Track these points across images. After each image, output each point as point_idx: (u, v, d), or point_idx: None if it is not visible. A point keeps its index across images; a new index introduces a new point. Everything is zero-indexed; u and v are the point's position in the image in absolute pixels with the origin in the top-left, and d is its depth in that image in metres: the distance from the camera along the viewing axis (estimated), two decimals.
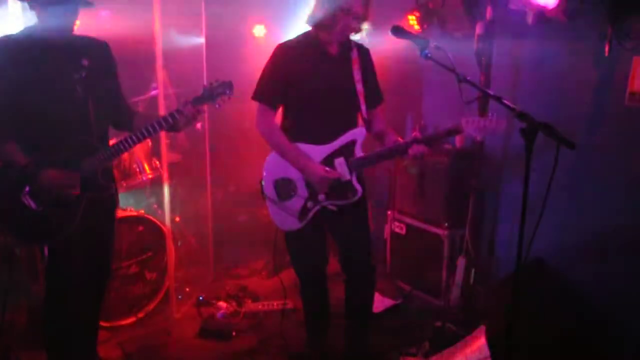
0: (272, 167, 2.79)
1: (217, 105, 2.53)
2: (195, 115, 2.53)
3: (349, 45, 2.75)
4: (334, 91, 2.71)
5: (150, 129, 2.50)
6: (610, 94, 3.04)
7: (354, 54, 2.74)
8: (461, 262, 3.79)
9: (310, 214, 2.76)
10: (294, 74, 2.66)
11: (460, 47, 3.69)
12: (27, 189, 2.44)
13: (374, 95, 2.86)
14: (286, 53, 2.70)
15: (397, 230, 4.21)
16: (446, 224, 3.84)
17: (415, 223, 4.06)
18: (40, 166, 2.42)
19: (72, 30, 2.50)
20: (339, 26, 2.61)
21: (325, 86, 2.69)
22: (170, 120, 2.50)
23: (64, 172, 2.44)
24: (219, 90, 2.51)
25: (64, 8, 2.38)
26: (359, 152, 2.70)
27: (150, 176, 3.88)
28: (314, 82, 2.67)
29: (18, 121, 2.42)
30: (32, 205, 2.45)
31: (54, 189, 2.43)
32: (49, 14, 2.37)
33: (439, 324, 3.45)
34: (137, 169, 3.83)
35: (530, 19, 3.25)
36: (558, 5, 3.01)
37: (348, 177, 2.70)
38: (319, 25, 2.67)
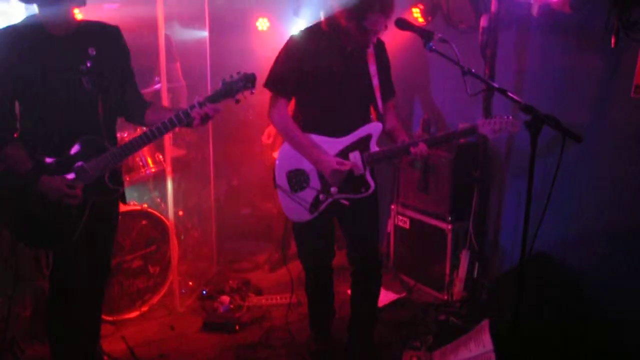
0: (285, 157, 2.76)
1: (236, 101, 2.34)
2: (213, 113, 2.33)
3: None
4: (349, 84, 2.68)
5: (163, 128, 2.36)
6: (616, 86, 3.01)
7: (370, 46, 2.70)
8: (465, 255, 3.78)
9: (322, 207, 2.74)
10: (309, 65, 2.61)
11: (465, 40, 3.68)
12: (29, 195, 2.33)
13: (388, 89, 2.83)
14: (301, 44, 2.65)
15: (400, 224, 4.20)
16: (450, 218, 3.82)
17: (419, 217, 4.05)
18: (40, 172, 2.31)
19: (71, 14, 2.35)
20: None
21: (341, 78, 2.65)
22: (184, 118, 2.33)
23: (66, 180, 2.33)
24: (239, 85, 2.31)
25: None
26: (374, 147, 2.68)
27: (153, 170, 3.87)
28: (329, 73, 2.63)
29: (21, 118, 2.35)
30: (34, 211, 2.36)
31: (54, 198, 2.32)
32: None
33: (442, 317, 3.45)
34: (141, 163, 3.82)
35: (535, 11, 3.22)
36: None
37: (362, 170, 2.68)
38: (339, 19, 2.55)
